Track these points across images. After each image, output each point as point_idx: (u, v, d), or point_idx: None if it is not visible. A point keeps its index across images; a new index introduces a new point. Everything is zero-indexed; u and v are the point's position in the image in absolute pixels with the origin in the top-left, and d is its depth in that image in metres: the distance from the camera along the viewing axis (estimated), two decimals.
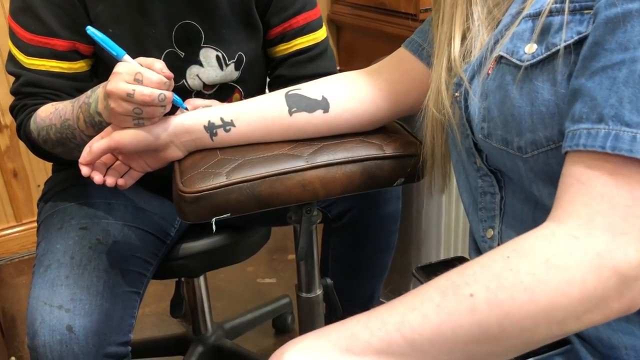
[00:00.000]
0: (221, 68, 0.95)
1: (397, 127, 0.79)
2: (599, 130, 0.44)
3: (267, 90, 1.08)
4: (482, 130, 0.55)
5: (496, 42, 0.55)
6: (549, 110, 0.50)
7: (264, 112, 0.75)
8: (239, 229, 1.12)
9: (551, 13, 0.50)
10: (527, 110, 0.51)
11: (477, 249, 0.64)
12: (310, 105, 0.74)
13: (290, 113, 0.74)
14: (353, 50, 2.26)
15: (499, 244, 0.60)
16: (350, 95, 0.75)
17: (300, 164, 0.71)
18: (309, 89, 0.75)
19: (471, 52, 0.59)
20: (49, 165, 1.10)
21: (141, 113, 0.71)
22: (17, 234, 1.93)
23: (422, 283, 0.64)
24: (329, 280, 0.88)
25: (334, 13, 2.23)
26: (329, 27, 2.28)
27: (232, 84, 0.98)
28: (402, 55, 0.74)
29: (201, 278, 1.28)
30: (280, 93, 0.75)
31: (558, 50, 0.49)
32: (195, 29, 0.93)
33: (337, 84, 0.76)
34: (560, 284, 0.43)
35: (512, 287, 0.44)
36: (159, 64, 0.72)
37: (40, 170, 1.89)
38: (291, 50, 1.01)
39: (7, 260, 1.91)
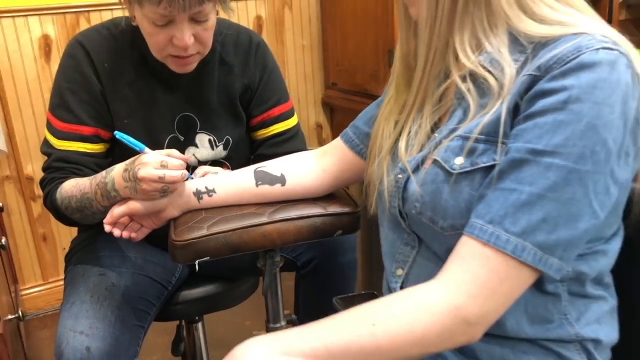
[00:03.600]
0: (212, 148, 1.22)
1: (342, 191, 1.04)
2: (487, 228, 0.65)
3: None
4: (415, 208, 0.73)
5: (435, 148, 0.72)
6: (466, 206, 0.68)
7: (238, 183, 1.00)
8: (230, 279, 1.34)
9: (477, 140, 0.68)
10: (452, 204, 0.69)
11: (387, 283, 0.86)
12: (272, 180, 0.99)
13: (257, 185, 0.99)
14: (344, 128, 2.54)
15: (403, 281, 0.80)
16: (301, 173, 1.00)
17: (263, 219, 0.95)
18: (272, 166, 1.01)
19: (414, 147, 0.78)
20: (74, 230, 1.35)
21: (168, 189, 0.95)
22: (43, 292, 2.17)
23: (341, 310, 0.86)
24: (294, 316, 1.10)
25: (327, 97, 2.53)
26: (323, 108, 2.58)
27: (221, 160, 1.24)
28: (339, 144, 0.99)
29: (199, 325, 1.50)
30: (251, 169, 1.01)
31: (479, 168, 0.67)
32: (192, 119, 1.20)
33: (293, 164, 1.01)
34: (430, 323, 0.64)
35: (399, 321, 0.65)
36: (176, 152, 0.97)
37: (66, 235, 2.15)
38: (269, 134, 1.27)
39: (33, 315, 2.14)
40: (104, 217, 1.01)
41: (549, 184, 0.62)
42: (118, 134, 0.96)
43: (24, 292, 2.13)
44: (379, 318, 0.66)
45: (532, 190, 0.62)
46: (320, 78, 2.52)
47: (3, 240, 1.22)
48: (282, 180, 0.99)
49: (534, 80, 0.64)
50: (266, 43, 1.27)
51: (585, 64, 0.61)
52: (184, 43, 1.03)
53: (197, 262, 0.94)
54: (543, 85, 0.63)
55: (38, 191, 2.08)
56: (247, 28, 1.26)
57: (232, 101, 1.22)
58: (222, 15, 1.15)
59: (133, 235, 1.02)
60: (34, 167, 2.05)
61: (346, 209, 0.98)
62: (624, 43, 0.65)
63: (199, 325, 1.50)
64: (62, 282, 2.08)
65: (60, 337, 1.04)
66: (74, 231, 1.36)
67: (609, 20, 2.29)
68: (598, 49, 0.62)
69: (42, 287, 2.17)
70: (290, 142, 1.27)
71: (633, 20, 3.31)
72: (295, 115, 1.30)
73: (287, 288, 1.33)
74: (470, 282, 0.64)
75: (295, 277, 1.30)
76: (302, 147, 1.29)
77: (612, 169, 0.64)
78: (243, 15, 2.30)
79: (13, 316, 1.28)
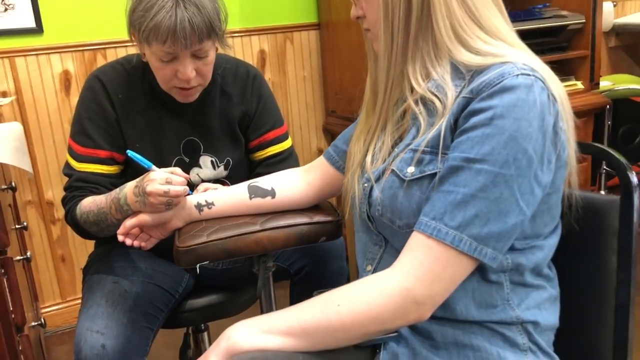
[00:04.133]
0: (214, 169, 1.36)
1: (325, 203, 1.17)
2: (431, 224, 0.78)
3: None
4: (378, 211, 0.86)
5: (393, 160, 0.86)
6: (418, 207, 0.80)
7: (233, 197, 1.14)
8: (232, 290, 1.47)
9: (424, 152, 0.81)
10: (406, 206, 0.82)
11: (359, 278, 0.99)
12: (264, 193, 1.13)
13: (250, 198, 1.13)
14: None
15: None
16: (289, 187, 1.14)
17: (255, 228, 1.09)
18: (263, 181, 1.15)
19: (378, 160, 0.92)
20: (90, 250, 1.48)
21: (172, 202, 1.09)
22: (61, 310, 2.30)
23: None
24: None
25: (328, 123, 2.68)
26: (324, 134, 2.72)
27: (222, 179, 1.38)
28: (322, 161, 1.12)
29: (205, 335, 1.62)
30: (245, 184, 1.15)
31: (426, 175, 0.80)
32: (196, 143, 1.35)
33: (282, 179, 1.15)
34: (384, 302, 0.77)
35: (360, 301, 0.78)
36: (179, 170, 1.11)
37: (83, 256, 2.29)
38: (266, 155, 1.41)
39: (52, 333, 2.28)
40: (117, 230, 1.15)
41: (479, 185, 0.75)
42: (130, 153, 1.11)
43: (43, 310, 2.27)
44: (343, 299, 0.79)
45: (465, 191, 0.76)
46: (320, 106, 2.68)
47: (28, 253, 1.36)
48: (272, 193, 1.13)
49: (467, 101, 0.78)
50: (262, 75, 1.42)
51: (507, 87, 0.75)
52: (186, 76, 1.18)
53: (198, 265, 1.08)
54: (474, 105, 0.77)
55: (57, 215, 2.23)
56: (244, 62, 1.42)
57: (231, 127, 1.37)
58: (222, 51, 1.30)
59: (143, 244, 1.16)
60: (54, 192, 2.21)
61: (329, 218, 1.12)
62: (542, 70, 0.79)
63: (205, 334, 1.63)
64: (79, 301, 2.22)
65: (79, 335, 1.17)
66: (90, 251, 1.50)
67: (592, 47, 2.43)
68: (518, 75, 0.76)
69: (60, 306, 2.31)
70: (285, 163, 1.41)
71: (623, 46, 3.46)
72: (290, 138, 1.44)
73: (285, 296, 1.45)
74: (418, 268, 0.77)
75: (290, 284, 1.43)
76: (295, 167, 1.42)
77: (535, 173, 0.76)
78: (248, 49, 2.48)
79: (36, 323, 1.42)
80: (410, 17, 0.83)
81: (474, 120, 0.76)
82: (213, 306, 1.44)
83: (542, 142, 0.76)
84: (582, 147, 0.95)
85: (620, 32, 3.30)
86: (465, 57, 0.82)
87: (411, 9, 0.82)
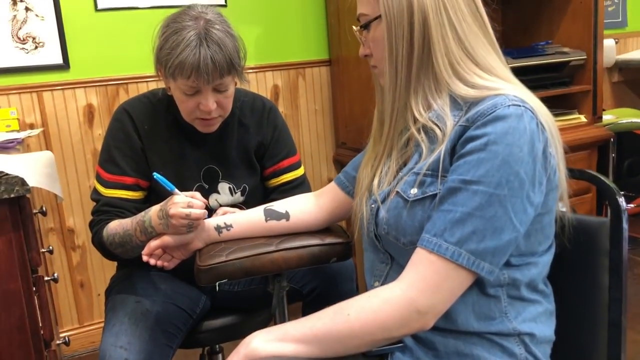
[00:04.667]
0: (232, 195, 1.45)
1: (336, 225, 1.25)
2: (432, 240, 0.86)
3: None
4: (384, 229, 0.96)
5: (397, 183, 0.95)
6: (420, 225, 0.88)
7: (250, 219, 1.22)
8: (247, 312, 1.53)
9: (425, 175, 0.89)
10: (410, 224, 0.90)
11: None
12: (279, 216, 1.21)
13: (266, 220, 1.21)
14: None
15: None
16: (302, 210, 1.22)
17: (271, 248, 1.17)
18: (278, 205, 1.23)
19: (384, 183, 1.01)
20: (108, 276, 1.55)
21: (192, 225, 1.18)
22: (79, 335, 2.36)
23: None
24: None
25: (338, 155, 2.78)
26: (334, 165, 2.82)
27: (239, 204, 1.47)
28: (333, 187, 1.20)
29: (220, 356, 1.68)
30: (261, 207, 1.23)
31: (427, 195, 0.88)
32: (215, 171, 1.44)
33: (295, 203, 1.23)
34: (390, 311, 0.85)
35: (367, 310, 0.86)
36: (198, 195, 1.20)
37: (101, 282, 2.37)
38: (280, 182, 1.50)
39: (69, 357, 2.34)
40: (141, 251, 1.23)
41: (475, 205, 0.83)
42: (156, 175, 1.20)
43: (62, 335, 2.33)
44: (353, 309, 0.87)
45: (463, 210, 0.83)
46: (331, 138, 2.77)
47: (55, 274, 1.44)
48: (286, 216, 1.21)
49: (464, 129, 0.87)
50: (277, 108, 1.51)
51: (499, 117, 0.84)
52: (208, 108, 1.28)
53: (217, 283, 1.15)
54: (470, 132, 0.85)
55: (78, 241, 2.32)
56: (261, 95, 1.52)
57: (248, 155, 1.46)
58: (241, 85, 1.40)
59: (165, 264, 1.24)
60: (75, 220, 2.30)
61: (340, 240, 1.19)
62: (532, 101, 0.87)
63: (219, 356, 1.69)
64: (96, 326, 2.29)
65: (104, 351, 1.24)
66: (107, 277, 1.57)
67: (594, 82, 2.52)
68: (509, 105, 0.84)
69: (78, 330, 2.37)
70: (298, 189, 1.49)
71: (625, 81, 3.55)
72: (302, 167, 1.53)
73: None
74: (420, 280, 0.84)
75: (302, 305, 1.50)
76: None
77: (527, 194, 0.84)
78: (262, 84, 2.59)
79: (60, 342, 1.49)
80: (413, 56, 0.92)
81: (470, 146, 0.85)
82: (228, 327, 1.50)
83: (533, 165, 0.84)
84: (576, 173, 1.03)
85: (623, 67, 3.40)
86: (463, 90, 0.91)
87: (413, 48, 0.92)
